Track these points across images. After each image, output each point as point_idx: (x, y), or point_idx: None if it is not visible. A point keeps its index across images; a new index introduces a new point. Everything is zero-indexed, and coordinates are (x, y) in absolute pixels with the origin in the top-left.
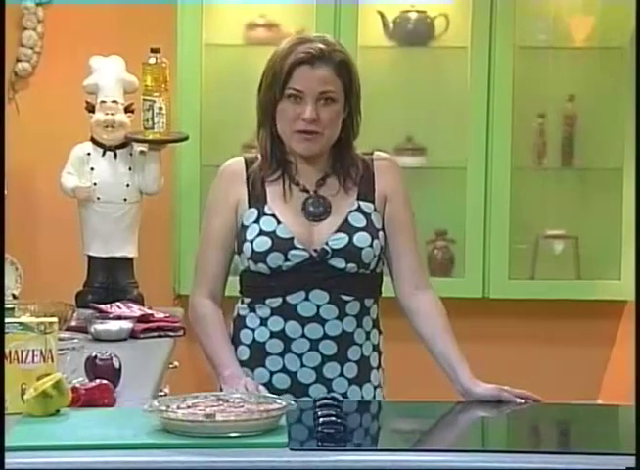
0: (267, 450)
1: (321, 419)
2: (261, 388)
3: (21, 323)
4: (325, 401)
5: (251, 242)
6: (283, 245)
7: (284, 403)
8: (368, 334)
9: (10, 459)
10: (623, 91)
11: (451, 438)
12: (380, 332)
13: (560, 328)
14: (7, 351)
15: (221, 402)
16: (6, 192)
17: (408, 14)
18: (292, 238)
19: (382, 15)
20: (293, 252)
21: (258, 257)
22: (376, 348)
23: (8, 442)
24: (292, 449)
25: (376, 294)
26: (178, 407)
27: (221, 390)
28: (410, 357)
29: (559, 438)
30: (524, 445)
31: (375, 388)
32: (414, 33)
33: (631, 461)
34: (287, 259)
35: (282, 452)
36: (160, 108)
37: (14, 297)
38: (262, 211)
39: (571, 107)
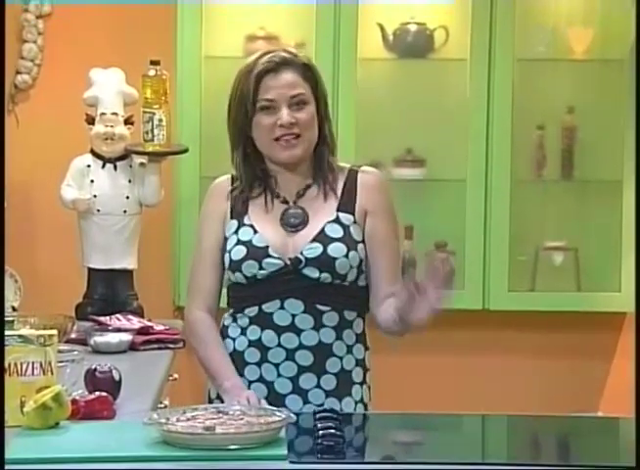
0: (267, 463)
1: (320, 431)
2: (263, 402)
3: (20, 335)
4: (324, 414)
5: (229, 252)
6: (258, 253)
7: (284, 416)
8: (350, 348)
9: None
10: (623, 103)
11: (451, 449)
12: (366, 348)
13: (560, 340)
14: (7, 363)
15: (221, 415)
16: (6, 204)
17: (408, 26)
18: (267, 247)
19: (381, 27)
20: (267, 260)
21: (235, 265)
22: (360, 363)
23: (8, 454)
24: (291, 462)
25: (360, 308)
26: (178, 420)
27: (209, 401)
28: (401, 371)
29: (559, 450)
30: (524, 457)
31: (356, 403)
32: (413, 46)
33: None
34: (261, 268)
35: (281, 465)
36: (160, 120)
37: (13, 309)
38: (242, 222)
39: (570, 119)
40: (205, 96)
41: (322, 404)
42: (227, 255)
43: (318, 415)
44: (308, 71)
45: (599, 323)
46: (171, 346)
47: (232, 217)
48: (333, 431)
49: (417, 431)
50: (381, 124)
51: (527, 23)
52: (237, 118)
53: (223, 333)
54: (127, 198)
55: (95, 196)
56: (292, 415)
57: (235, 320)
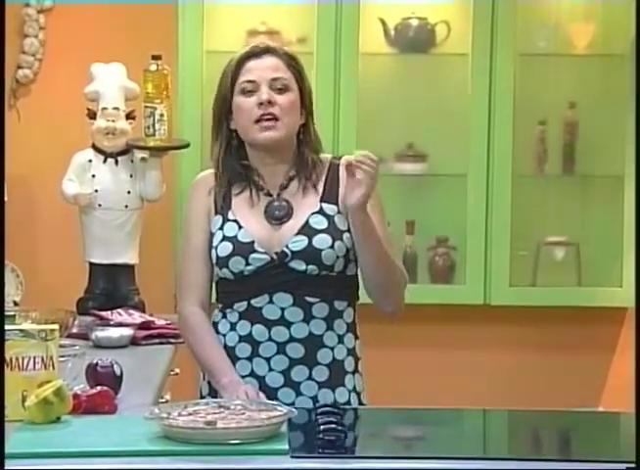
0: (268, 458)
1: (322, 426)
2: (262, 395)
3: (22, 330)
4: (326, 408)
5: (216, 248)
6: (243, 249)
7: (285, 410)
8: (341, 337)
9: (10, 466)
10: (625, 98)
11: (452, 444)
12: (357, 337)
13: (561, 335)
14: (8, 357)
15: (222, 410)
16: (6, 198)
17: (409, 21)
18: (252, 242)
19: (383, 22)
20: (253, 255)
21: (222, 262)
22: (351, 352)
23: (8, 449)
24: (293, 457)
25: (350, 297)
26: (179, 414)
27: (201, 398)
28: (401, 366)
29: (560, 445)
30: (524, 451)
31: (350, 392)
32: (415, 40)
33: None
34: (248, 263)
35: (283, 460)
36: (162, 115)
37: (15, 304)
38: (226, 217)
39: (571, 114)
40: (207, 91)
41: (315, 396)
42: (214, 251)
43: (319, 410)
44: (292, 59)
45: (600, 318)
46: (172, 340)
47: (216, 213)
48: (334, 426)
49: (418, 426)
50: (382, 119)
51: (529, 17)
52: (217, 106)
53: (214, 329)
54: (129, 193)
55: (96, 191)
56: (293, 410)
57: (224, 316)
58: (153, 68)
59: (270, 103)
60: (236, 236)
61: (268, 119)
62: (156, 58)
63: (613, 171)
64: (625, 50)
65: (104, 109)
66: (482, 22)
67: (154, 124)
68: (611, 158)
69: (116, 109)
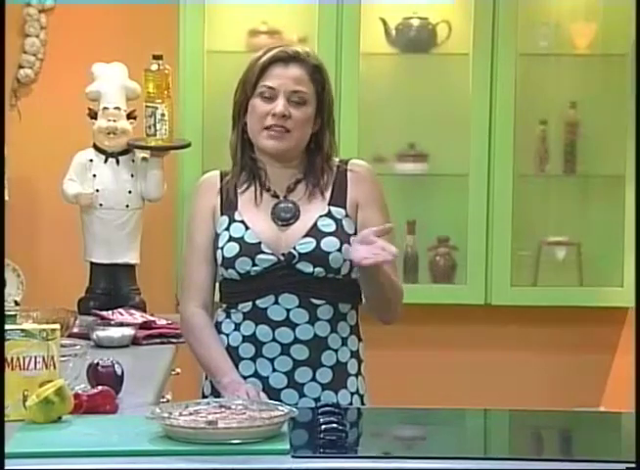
0: (269, 457)
1: (323, 426)
2: (262, 395)
3: (23, 330)
4: (327, 408)
5: (222, 248)
6: (250, 250)
7: (286, 410)
8: (345, 340)
9: (10, 466)
10: (626, 98)
11: (453, 444)
12: (360, 339)
13: (562, 335)
14: (9, 357)
15: (223, 409)
16: (7, 198)
17: (410, 20)
18: (259, 243)
19: (384, 22)
20: (260, 256)
21: (228, 262)
22: (355, 354)
23: (9, 448)
24: (294, 456)
25: (354, 300)
26: (180, 414)
27: (203, 398)
28: (403, 366)
29: (561, 445)
30: (525, 451)
31: (352, 395)
32: (416, 40)
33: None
34: (255, 264)
35: (284, 459)
36: (163, 114)
37: (16, 303)
38: (232, 217)
39: (573, 114)
40: (208, 90)
41: (318, 398)
42: (219, 251)
43: (320, 410)
44: (317, 73)
45: (601, 318)
46: (173, 340)
47: (222, 213)
48: (335, 426)
49: (419, 426)
50: (383, 119)
51: (530, 17)
52: (237, 100)
53: (217, 329)
54: (130, 192)
55: (97, 190)
56: (294, 410)
57: (228, 316)
58: (154, 67)
59: (284, 116)
60: (243, 237)
61: (279, 129)
62: (157, 57)
63: (614, 171)
64: (626, 50)
65: (105, 108)
66: (483, 21)
67: (155, 124)
68: (612, 157)
69: (118, 108)
